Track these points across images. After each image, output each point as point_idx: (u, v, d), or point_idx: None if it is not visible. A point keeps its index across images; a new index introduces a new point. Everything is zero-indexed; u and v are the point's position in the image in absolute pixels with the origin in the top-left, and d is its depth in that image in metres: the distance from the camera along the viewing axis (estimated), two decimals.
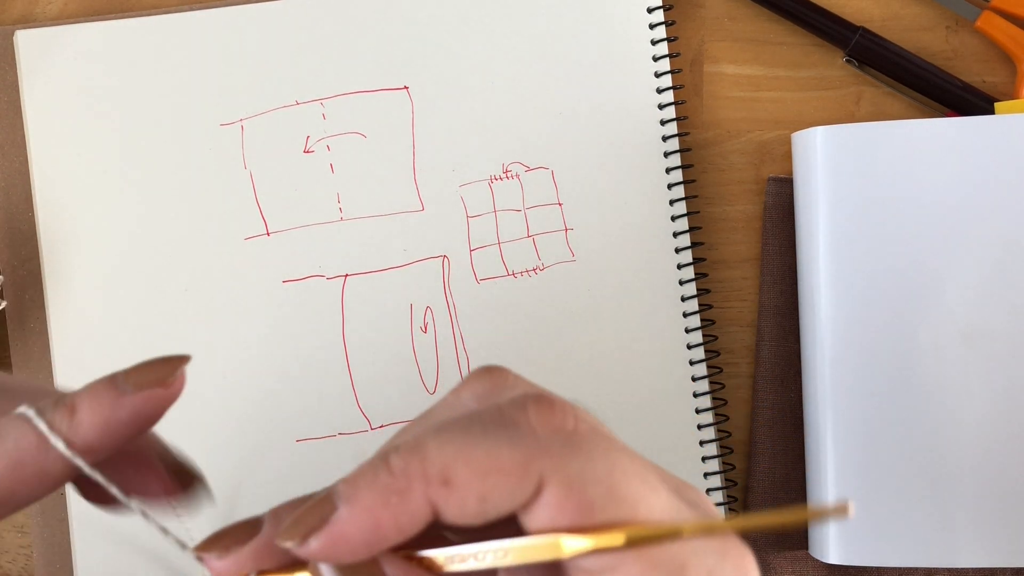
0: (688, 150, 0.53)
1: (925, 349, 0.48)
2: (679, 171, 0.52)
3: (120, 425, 0.28)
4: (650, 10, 0.53)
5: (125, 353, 0.52)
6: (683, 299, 0.52)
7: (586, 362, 0.52)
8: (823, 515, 0.27)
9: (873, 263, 0.49)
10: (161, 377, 0.28)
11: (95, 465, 0.28)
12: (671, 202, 0.52)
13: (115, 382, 0.28)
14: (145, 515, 0.29)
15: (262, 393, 0.52)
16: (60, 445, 0.27)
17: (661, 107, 0.52)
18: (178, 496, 0.30)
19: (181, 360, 0.29)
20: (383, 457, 0.26)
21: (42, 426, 0.27)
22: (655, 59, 0.53)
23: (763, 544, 0.52)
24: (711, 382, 0.52)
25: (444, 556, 0.28)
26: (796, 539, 0.52)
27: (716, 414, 0.53)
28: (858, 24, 0.53)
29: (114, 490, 0.29)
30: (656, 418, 0.52)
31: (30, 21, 0.53)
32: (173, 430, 0.53)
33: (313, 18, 0.53)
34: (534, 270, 0.53)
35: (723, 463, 0.53)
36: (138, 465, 0.30)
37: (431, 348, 0.52)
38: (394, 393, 0.52)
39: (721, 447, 0.53)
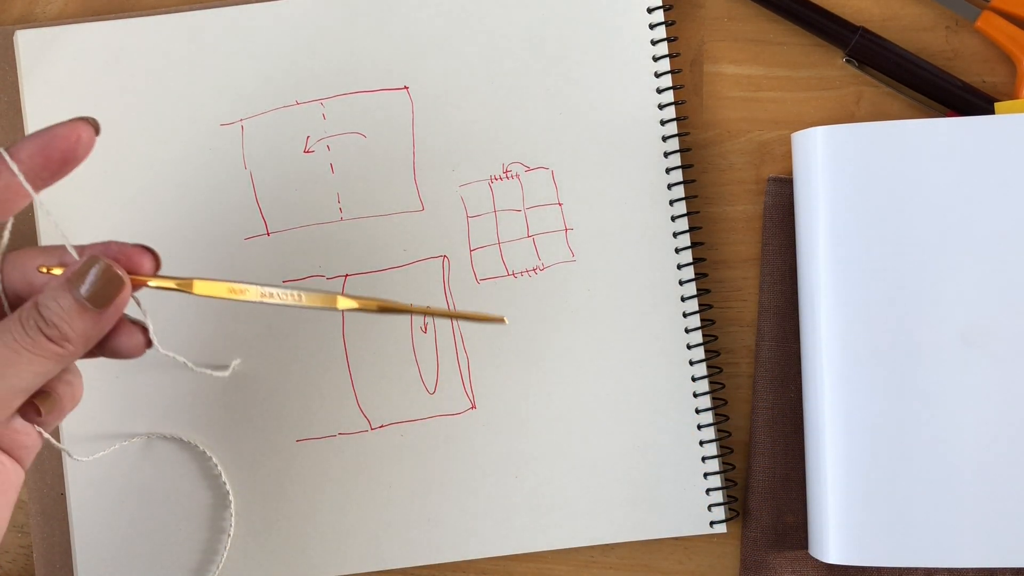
0: (688, 150, 0.53)
1: (925, 349, 0.48)
2: (679, 171, 0.52)
3: (52, 151, 0.38)
4: (650, 10, 0.53)
5: None
6: (683, 299, 0.52)
7: (586, 362, 0.52)
8: (483, 320, 0.41)
9: (873, 263, 0.49)
10: (75, 125, 0.38)
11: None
12: (671, 202, 0.52)
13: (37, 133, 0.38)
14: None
15: (262, 393, 0.52)
16: (3, 153, 0.37)
17: (661, 107, 0.53)
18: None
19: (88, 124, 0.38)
20: None
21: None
22: (655, 59, 0.53)
23: (763, 544, 0.52)
24: (711, 382, 0.52)
25: (255, 290, 0.39)
26: (796, 539, 0.52)
27: (716, 414, 0.53)
28: (858, 24, 0.53)
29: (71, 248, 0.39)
30: (656, 418, 0.52)
31: (30, 21, 0.53)
32: (174, 428, 0.53)
33: (313, 18, 0.53)
34: (534, 270, 0.53)
35: (723, 463, 0.53)
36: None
37: (431, 348, 0.52)
38: (394, 393, 0.52)
39: (721, 447, 0.53)
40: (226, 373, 0.44)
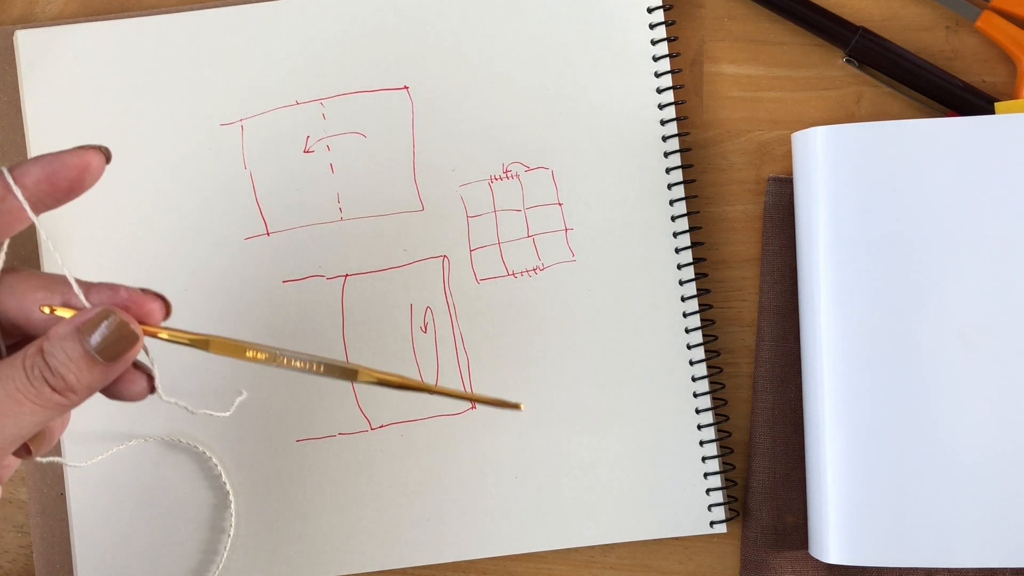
0: (688, 150, 0.53)
1: (925, 349, 0.48)
2: (679, 171, 0.52)
3: (58, 179, 0.36)
4: (650, 10, 0.53)
5: None
6: (683, 299, 0.52)
7: (586, 362, 0.52)
8: (497, 404, 0.39)
9: (873, 263, 0.49)
10: (84, 153, 0.36)
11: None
12: (671, 202, 0.52)
13: (46, 156, 0.36)
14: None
15: (262, 393, 0.52)
16: (7, 175, 0.36)
17: (661, 107, 0.53)
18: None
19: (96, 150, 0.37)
20: None
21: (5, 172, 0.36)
22: (655, 59, 0.53)
23: (763, 544, 0.52)
24: (711, 382, 0.52)
25: (274, 354, 0.37)
26: (796, 539, 0.52)
27: (716, 414, 0.53)
28: (858, 24, 0.53)
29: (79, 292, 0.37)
30: (656, 418, 0.52)
31: (30, 21, 0.53)
32: (173, 429, 0.53)
33: (313, 18, 0.53)
34: (534, 270, 0.53)
35: (723, 463, 0.53)
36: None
37: (431, 348, 0.52)
38: (394, 393, 0.52)
39: (721, 447, 0.53)
40: (228, 413, 0.42)
